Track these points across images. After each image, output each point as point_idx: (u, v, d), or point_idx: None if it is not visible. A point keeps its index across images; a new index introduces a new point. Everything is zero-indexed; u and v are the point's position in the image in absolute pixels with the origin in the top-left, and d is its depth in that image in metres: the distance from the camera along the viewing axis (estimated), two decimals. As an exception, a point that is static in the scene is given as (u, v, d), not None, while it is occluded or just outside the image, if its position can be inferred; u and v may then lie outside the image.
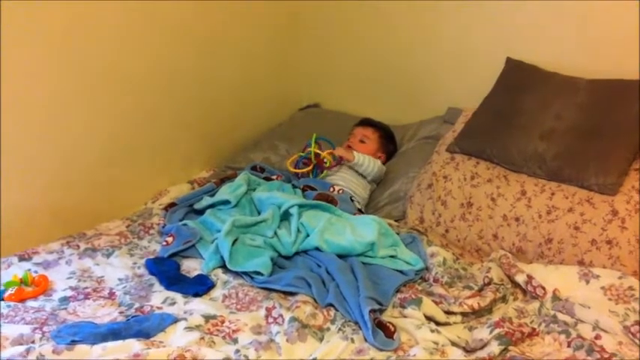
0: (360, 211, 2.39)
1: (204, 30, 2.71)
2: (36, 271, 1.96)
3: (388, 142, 2.75)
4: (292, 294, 1.88)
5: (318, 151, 2.52)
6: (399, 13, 2.85)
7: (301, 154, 2.58)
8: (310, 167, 2.53)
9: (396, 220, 2.41)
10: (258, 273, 1.94)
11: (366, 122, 2.77)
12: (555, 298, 1.87)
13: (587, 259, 2.03)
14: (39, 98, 2.17)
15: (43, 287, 1.88)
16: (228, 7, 2.78)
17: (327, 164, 2.51)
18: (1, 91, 2.04)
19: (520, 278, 1.94)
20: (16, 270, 1.95)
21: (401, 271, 2.03)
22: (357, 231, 2.13)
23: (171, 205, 2.39)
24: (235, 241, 2.07)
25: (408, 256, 2.08)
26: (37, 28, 2.10)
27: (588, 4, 2.38)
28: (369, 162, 2.54)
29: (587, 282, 1.92)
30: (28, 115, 2.15)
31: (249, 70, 2.98)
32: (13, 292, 1.83)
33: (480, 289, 1.93)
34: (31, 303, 1.81)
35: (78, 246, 2.12)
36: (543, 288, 1.90)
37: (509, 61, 2.54)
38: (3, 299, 1.81)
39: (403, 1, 2.82)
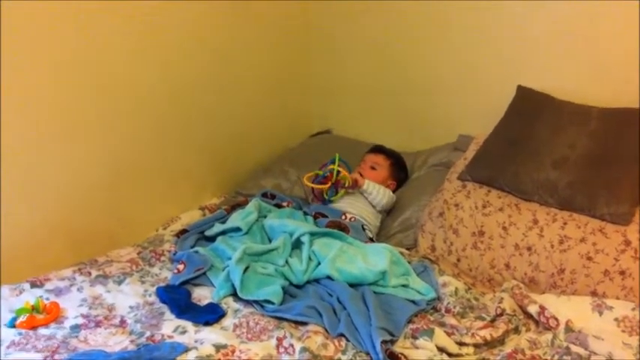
0: (372, 240, 2.39)
1: (217, 56, 2.72)
2: (48, 298, 1.95)
3: (399, 169, 2.75)
4: (303, 323, 1.87)
5: (340, 169, 2.51)
6: (411, 41, 2.87)
7: (319, 172, 2.57)
8: (327, 185, 2.51)
9: (407, 249, 2.40)
10: (269, 302, 1.94)
11: (378, 149, 2.78)
12: (568, 329, 1.86)
13: (600, 290, 2.02)
14: (50, 125, 2.17)
15: (54, 314, 1.88)
16: (241, 32, 2.80)
17: (347, 184, 2.50)
18: (2, 115, 2.03)
19: (532, 309, 1.93)
20: (28, 296, 1.94)
21: (413, 301, 2.02)
22: (369, 259, 2.12)
23: (183, 231, 2.39)
24: (246, 269, 2.06)
25: (419, 286, 2.08)
26: (45, 49, 2.10)
27: (599, 32, 2.40)
28: (379, 191, 2.53)
29: (601, 313, 1.90)
30: (38, 142, 2.15)
31: (260, 96, 3.00)
32: (24, 319, 1.82)
33: (493, 320, 1.91)
34: (42, 330, 1.81)
35: (89, 273, 2.12)
36: (556, 319, 1.88)
37: (520, 89, 2.55)
38: (15, 326, 1.80)
39: (415, 30, 2.85)
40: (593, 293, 2.02)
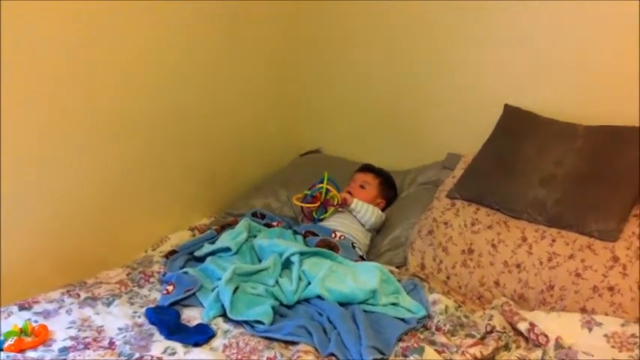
0: (362, 258, 2.39)
1: (208, 77, 2.73)
2: (36, 321, 1.94)
3: (388, 188, 2.76)
4: (294, 343, 1.86)
5: (329, 187, 2.54)
6: (400, 61, 2.89)
7: (307, 192, 2.60)
8: (317, 204, 2.54)
9: (397, 267, 2.40)
10: (259, 322, 1.93)
11: (367, 168, 2.79)
12: (558, 346, 1.85)
13: (590, 306, 2.02)
14: (38, 147, 2.17)
15: (42, 337, 1.86)
16: (231, 53, 2.81)
17: (336, 201, 2.53)
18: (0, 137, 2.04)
19: (522, 326, 1.93)
20: (16, 319, 1.93)
21: (403, 319, 2.01)
22: (359, 278, 2.12)
23: (172, 252, 2.39)
24: (236, 289, 2.06)
25: (409, 304, 2.07)
26: (35, 71, 2.10)
27: (585, 52, 2.43)
28: (367, 210, 2.55)
29: (590, 330, 1.91)
30: (26, 162, 2.15)
31: (250, 116, 3.01)
32: (12, 342, 1.81)
33: (483, 338, 1.91)
34: (30, 354, 1.79)
35: (78, 295, 2.11)
36: (546, 336, 1.88)
37: (507, 107, 2.57)
38: (3, 350, 1.79)
39: (403, 48, 2.87)
40: (583, 309, 2.03)
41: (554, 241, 2.16)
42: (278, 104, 3.17)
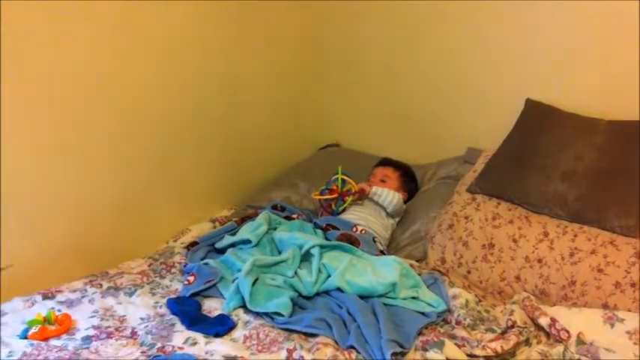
0: (383, 252, 2.38)
1: (226, 72, 2.74)
2: (59, 310, 1.97)
3: (409, 180, 2.76)
4: (313, 335, 1.87)
5: (344, 178, 2.55)
6: (420, 54, 2.88)
7: (323, 187, 2.61)
8: (335, 195, 2.55)
9: (417, 261, 2.40)
10: (278, 313, 1.94)
11: (387, 162, 2.79)
12: (579, 341, 1.85)
13: (612, 302, 2.01)
14: (62, 142, 2.20)
15: (66, 326, 1.89)
16: (250, 46, 2.82)
17: (352, 190, 2.54)
18: (14, 134, 2.06)
19: (543, 321, 1.92)
20: (40, 308, 1.96)
21: (423, 313, 2.01)
22: (379, 272, 2.12)
23: (193, 243, 2.40)
24: (256, 280, 2.07)
25: (429, 298, 2.07)
26: (58, 63, 2.12)
27: (609, 44, 2.40)
28: (388, 193, 2.55)
29: (612, 325, 1.89)
30: (51, 154, 2.18)
31: (270, 110, 3.02)
32: (36, 330, 1.83)
33: (503, 332, 1.91)
34: (54, 342, 1.81)
35: (100, 285, 2.13)
36: (567, 331, 1.88)
37: (528, 102, 2.56)
38: (27, 337, 1.81)
39: (423, 43, 2.86)
40: (605, 306, 2.01)
41: (575, 236, 2.15)
42: (297, 99, 3.18)
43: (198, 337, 1.86)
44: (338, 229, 2.41)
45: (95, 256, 2.34)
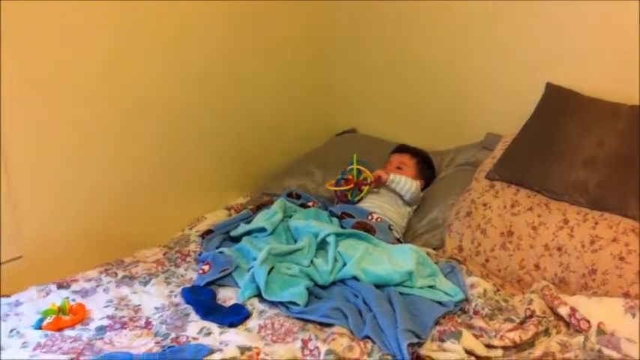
0: (399, 240, 2.35)
1: (241, 56, 2.73)
2: (74, 300, 1.96)
3: (426, 167, 2.72)
4: (328, 325, 1.85)
5: (360, 167, 2.52)
6: (436, 38, 2.84)
7: (339, 177, 2.59)
8: (351, 186, 2.52)
9: (434, 249, 2.37)
10: (293, 303, 1.92)
11: (403, 149, 2.75)
12: (600, 331, 1.81)
13: (633, 292, 1.97)
14: (76, 130, 2.20)
15: (80, 316, 1.88)
16: (263, 31, 2.80)
17: (368, 180, 2.51)
18: (29, 126, 2.07)
19: (563, 311, 1.89)
20: (55, 298, 1.96)
21: (440, 302, 1.98)
22: (395, 260, 2.10)
23: (208, 232, 2.39)
24: (271, 269, 2.05)
25: (447, 287, 2.04)
26: (68, 52, 2.13)
27: (630, 29, 2.34)
28: (405, 181, 2.51)
29: (634, 315, 1.84)
30: (61, 143, 2.19)
31: (285, 95, 3.00)
32: (51, 320, 1.83)
33: (522, 322, 1.88)
34: (68, 332, 1.81)
35: (116, 274, 2.13)
36: (587, 321, 1.84)
37: (548, 86, 2.50)
38: (41, 328, 1.81)
39: (441, 27, 2.81)
40: (626, 295, 1.97)
41: (596, 223, 2.11)
42: (313, 84, 3.15)
43: (213, 327, 1.85)
44: (353, 217, 2.38)
45: (111, 245, 2.35)
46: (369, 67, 3.09)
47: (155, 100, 2.42)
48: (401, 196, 2.53)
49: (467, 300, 2.01)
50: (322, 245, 2.20)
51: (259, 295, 1.99)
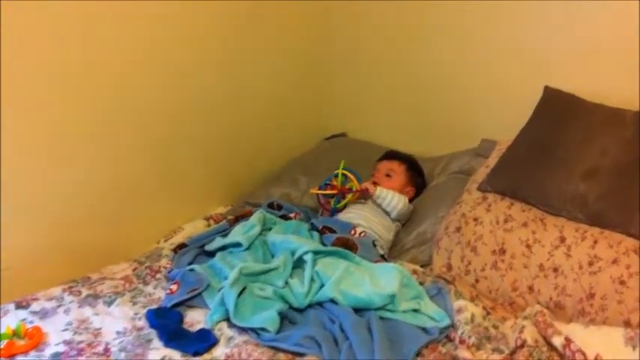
0: (383, 257, 2.21)
1: (227, 57, 2.61)
2: (31, 321, 1.84)
3: (416, 174, 2.60)
4: (300, 354, 1.71)
5: (347, 174, 2.43)
6: (431, 42, 2.75)
7: (324, 182, 2.50)
8: (334, 191, 2.42)
9: (422, 266, 2.23)
10: (264, 329, 1.79)
11: (391, 155, 2.63)
12: (597, 365, 1.67)
13: (634, 319, 1.82)
14: (50, 137, 2.10)
15: (36, 340, 1.76)
16: (253, 33, 2.69)
17: (354, 188, 2.41)
18: (1, 126, 1.96)
19: (557, 341, 1.74)
20: (12, 319, 1.84)
21: (424, 328, 1.85)
22: (377, 281, 1.95)
23: (181, 245, 2.26)
24: (244, 289, 1.92)
25: (432, 311, 1.90)
26: (46, 62, 2.03)
27: (633, 30, 2.23)
28: (393, 196, 2.39)
29: (634, 347, 1.71)
30: (30, 151, 2.07)
31: (273, 98, 2.88)
32: (2, 346, 1.71)
33: (512, 353, 1.73)
34: (20, 359, 1.69)
35: (80, 292, 2.00)
36: (583, 353, 1.69)
37: (547, 89, 2.38)
38: (-7, 354, 1.70)
39: (434, 30, 2.72)
40: (627, 323, 1.83)
41: (596, 242, 1.97)
42: (303, 86, 3.04)
43: (176, 355, 1.72)
44: (335, 231, 2.24)
45: (84, 259, 2.23)
46: (362, 69, 3.01)
47: (129, 104, 2.29)
48: (387, 213, 2.39)
49: (453, 326, 1.86)
50: (299, 263, 2.06)
51: (229, 319, 1.85)
